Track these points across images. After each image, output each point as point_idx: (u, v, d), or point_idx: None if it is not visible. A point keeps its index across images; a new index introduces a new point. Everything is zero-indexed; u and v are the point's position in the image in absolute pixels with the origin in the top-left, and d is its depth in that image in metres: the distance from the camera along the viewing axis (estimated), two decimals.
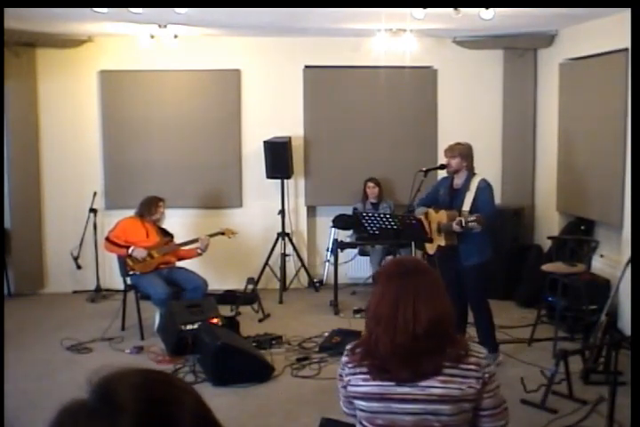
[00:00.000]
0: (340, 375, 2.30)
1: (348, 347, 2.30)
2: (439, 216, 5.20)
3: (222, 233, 6.46)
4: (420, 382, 2.11)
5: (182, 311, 5.47)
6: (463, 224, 4.81)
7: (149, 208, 6.15)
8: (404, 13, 5.50)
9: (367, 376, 2.18)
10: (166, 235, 6.21)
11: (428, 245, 5.43)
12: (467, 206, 5.05)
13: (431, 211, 5.30)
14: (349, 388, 2.23)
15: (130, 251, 5.89)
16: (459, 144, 5.24)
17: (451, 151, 5.19)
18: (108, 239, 6.03)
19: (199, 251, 6.26)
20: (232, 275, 7.29)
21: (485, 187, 5.12)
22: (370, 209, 7.16)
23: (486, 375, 2.15)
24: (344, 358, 2.28)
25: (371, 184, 7.26)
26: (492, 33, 7.12)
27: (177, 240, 6.23)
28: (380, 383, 2.15)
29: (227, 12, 5.75)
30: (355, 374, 2.21)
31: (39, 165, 7.37)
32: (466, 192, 5.10)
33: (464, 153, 5.17)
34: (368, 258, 7.17)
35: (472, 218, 4.76)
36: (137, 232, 6.04)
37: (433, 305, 2.13)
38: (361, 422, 2.24)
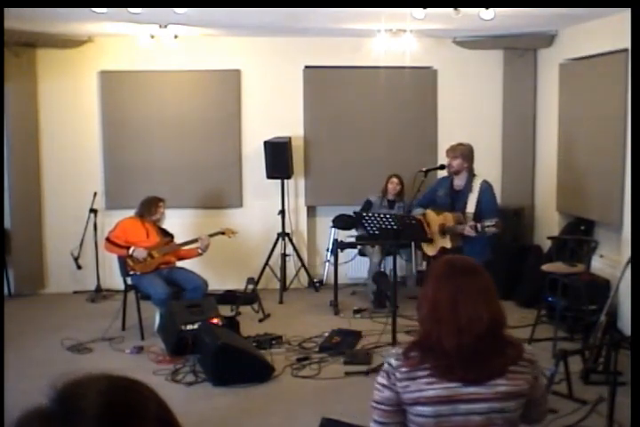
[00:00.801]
0: (388, 383, 2.15)
1: (398, 351, 2.18)
2: (442, 218, 5.19)
3: (222, 233, 6.46)
4: (487, 382, 2.10)
5: (182, 311, 5.47)
6: (479, 229, 4.79)
7: (149, 208, 6.15)
8: (404, 13, 5.50)
9: (431, 379, 2.10)
10: (166, 235, 6.21)
11: (426, 247, 5.42)
12: (470, 208, 5.05)
13: (430, 212, 5.30)
14: (408, 395, 2.11)
15: (130, 251, 5.89)
16: (461, 145, 5.24)
17: (453, 152, 5.19)
18: (108, 240, 6.03)
19: (199, 251, 6.25)
20: (232, 275, 7.29)
21: (488, 188, 5.12)
22: (385, 206, 6.98)
23: (536, 371, 2.22)
24: (395, 363, 2.14)
25: (395, 180, 7.03)
26: (492, 33, 7.12)
27: (177, 240, 6.23)
28: (447, 385, 2.09)
29: (227, 12, 5.75)
30: (414, 378, 2.11)
31: (39, 165, 7.37)
32: (468, 193, 5.10)
33: (466, 154, 5.17)
34: (367, 259, 7.15)
35: (490, 223, 4.74)
36: (137, 232, 6.04)
37: (490, 305, 2.16)
38: None
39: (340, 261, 6.99)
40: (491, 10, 5.31)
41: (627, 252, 4.86)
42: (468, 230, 4.90)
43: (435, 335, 2.13)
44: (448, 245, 5.15)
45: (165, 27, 6.59)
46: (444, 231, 5.23)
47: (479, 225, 4.80)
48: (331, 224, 7.41)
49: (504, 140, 7.56)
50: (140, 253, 5.90)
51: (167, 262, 6.10)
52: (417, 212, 5.36)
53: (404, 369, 2.13)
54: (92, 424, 0.90)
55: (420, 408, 2.11)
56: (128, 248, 5.90)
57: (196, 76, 7.42)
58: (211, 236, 6.29)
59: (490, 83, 7.53)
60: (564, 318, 5.67)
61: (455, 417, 2.10)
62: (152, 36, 6.80)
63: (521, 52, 7.34)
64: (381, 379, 2.17)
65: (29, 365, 5.19)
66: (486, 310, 2.13)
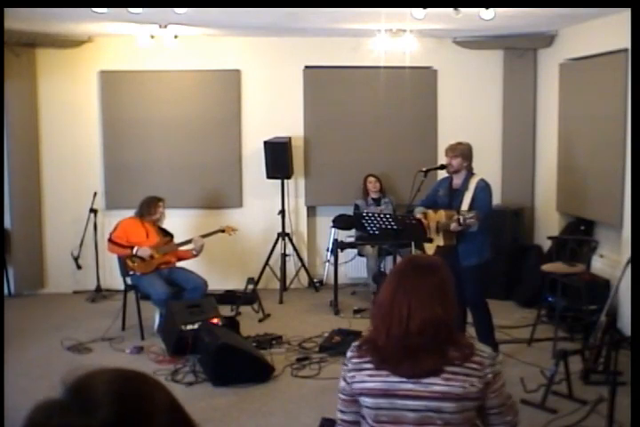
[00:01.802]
0: (343, 373, 2.28)
1: (355, 344, 2.31)
2: (437, 216, 5.20)
3: (222, 231, 6.47)
4: (423, 380, 2.13)
5: (182, 311, 5.47)
6: (461, 221, 4.80)
7: (149, 208, 6.14)
8: (404, 13, 5.50)
9: (372, 372, 2.19)
10: (166, 235, 6.21)
11: (427, 246, 5.42)
12: (465, 206, 5.05)
13: (430, 211, 5.30)
14: (354, 385, 2.22)
15: (134, 251, 5.89)
16: (460, 144, 5.24)
17: (452, 151, 5.19)
18: (110, 240, 6.03)
19: (194, 252, 6.25)
20: (232, 275, 7.29)
21: (484, 186, 5.12)
22: (371, 204, 7.15)
23: (489, 375, 2.15)
24: (348, 354, 2.28)
25: (372, 179, 7.23)
26: (492, 33, 7.12)
27: (176, 240, 6.23)
28: (385, 379, 2.16)
29: (227, 12, 5.74)
30: (360, 370, 2.21)
31: (39, 165, 7.37)
32: (465, 192, 5.10)
33: (465, 153, 5.17)
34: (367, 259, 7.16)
35: (470, 215, 4.76)
36: (137, 232, 6.04)
37: (431, 306, 2.14)
38: (366, 420, 2.24)
39: (339, 261, 6.99)
40: (491, 10, 5.31)
41: (627, 252, 4.86)
42: (452, 226, 4.91)
43: (374, 328, 2.23)
44: (441, 242, 5.14)
45: (165, 27, 6.59)
46: (437, 229, 5.23)
47: (461, 218, 4.81)
48: (331, 224, 7.41)
49: (504, 140, 7.55)
50: (144, 251, 5.91)
51: (167, 262, 6.10)
52: (418, 210, 5.36)
53: (354, 360, 2.24)
54: (105, 414, 0.93)
55: (363, 399, 2.21)
56: (132, 248, 5.91)
57: (196, 76, 7.42)
58: (206, 236, 6.29)
59: (490, 83, 7.53)
60: (564, 318, 5.67)
61: (393, 411, 2.16)
62: (152, 36, 6.80)
63: (521, 52, 7.33)
64: (341, 370, 2.32)
65: (29, 365, 5.19)
66: (424, 309, 2.13)
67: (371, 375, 2.19)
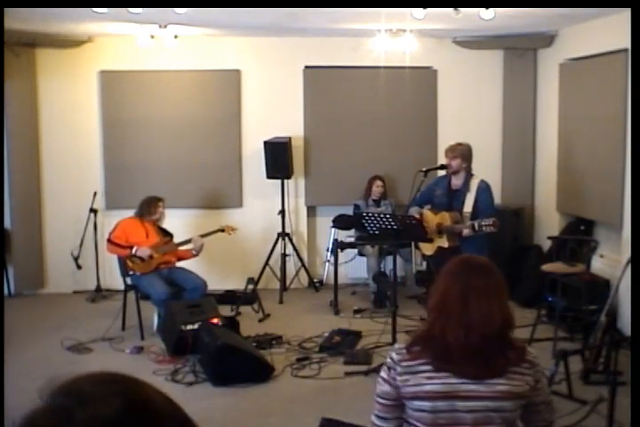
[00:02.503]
0: (388, 377, 2.18)
1: (401, 346, 2.21)
2: (439, 218, 5.19)
3: (222, 230, 6.47)
4: (487, 380, 2.12)
5: (182, 311, 5.47)
6: (476, 228, 4.78)
7: (149, 208, 6.15)
8: (404, 13, 5.50)
9: (430, 374, 2.12)
10: (166, 235, 6.21)
11: (424, 246, 5.42)
12: (468, 208, 5.05)
13: (427, 211, 5.29)
14: (407, 388, 2.13)
15: (134, 251, 5.89)
16: (460, 144, 5.24)
17: (452, 152, 5.19)
18: (109, 241, 6.03)
19: (193, 252, 6.26)
20: (232, 275, 7.29)
21: (486, 188, 5.13)
22: (371, 205, 7.16)
23: (538, 374, 2.23)
24: (396, 357, 2.17)
25: (379, 183, 7.20)
26: (492, 33, 7.12)
27: (176, 240, 6.23)
28: (445, 381, 2.11)
29: (227, 12, 5.74)
30: (414, 373, 2.13)
31: (39, 165, 7.37)
32: (466, 193, 5.10)
33: (465, 154, 5.18)
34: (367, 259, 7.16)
35: (487, 222, 4.74)
36: (137, 232, 6.04)
37: (502, 306, 2.17)
38: (413, 425, 2.17)
39: (339, 261, 6.99)
40: (491, 10, 5.31)
41: (627, 252, 4.86)
42: (465, 232, 4.89)
43: (439, 327, 2.15)
44: (445, 244, 5.14)
45: (165, 27, 6.59)
46: (440, 231, 5.22)
47: (476, 224, 4.80)
48: (331, 224, 7.41)
49: (504, 140, 7.56)
50: (143, 251, 5.91)
51: (167, 262, 6.10)
52: (413, 210, 5.35)
53: (404, 363, 2.15)
54: (118, 406, 0.91)
55: (418, 403, 2.13)
56: (131, 248, 5.91)
57: (196, 76, 7.42)
58: (205, 235, 6.29)
59: (490, 83, 7.53)
60: (564, 318, 5.67)
61: (452, 414, 2.12)
62: (152, 36, 6.80)
63: (521, 52, 7.33)
64: (383, 373, 2.22)
65: (29, 365, 5.19)
66: (499, 310, 2.15)
67: (429, 378, 2.12)
